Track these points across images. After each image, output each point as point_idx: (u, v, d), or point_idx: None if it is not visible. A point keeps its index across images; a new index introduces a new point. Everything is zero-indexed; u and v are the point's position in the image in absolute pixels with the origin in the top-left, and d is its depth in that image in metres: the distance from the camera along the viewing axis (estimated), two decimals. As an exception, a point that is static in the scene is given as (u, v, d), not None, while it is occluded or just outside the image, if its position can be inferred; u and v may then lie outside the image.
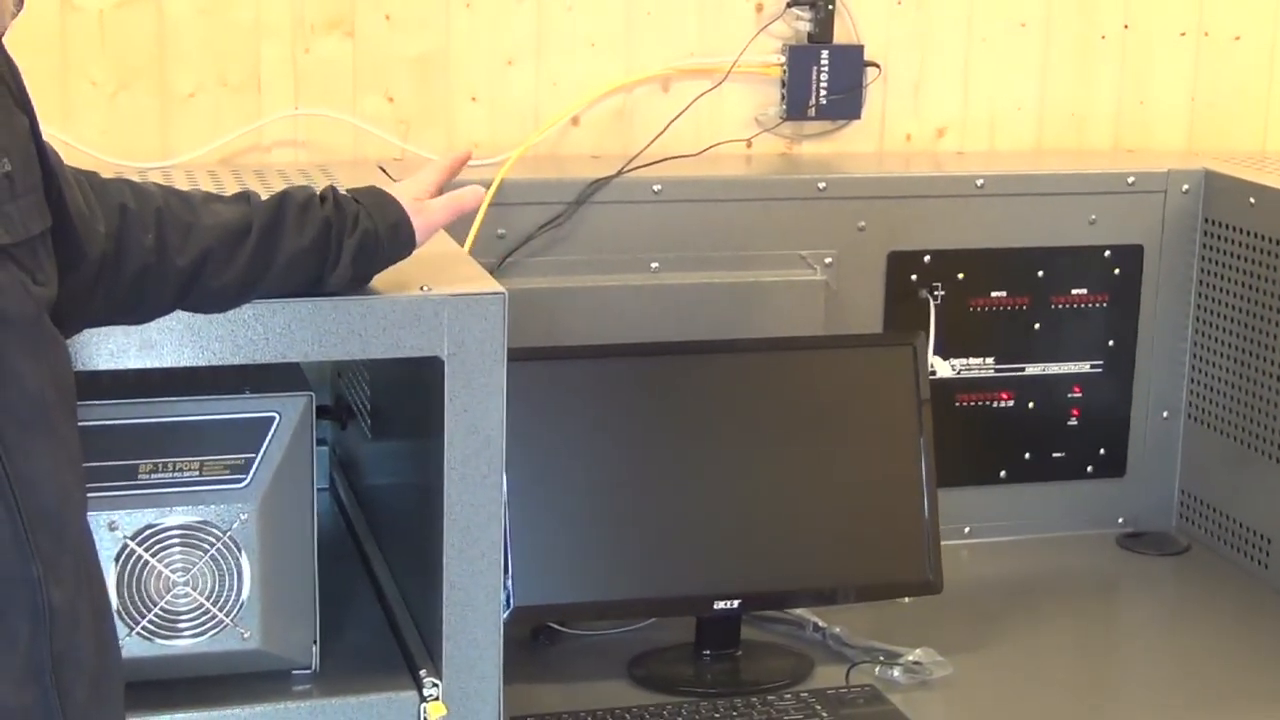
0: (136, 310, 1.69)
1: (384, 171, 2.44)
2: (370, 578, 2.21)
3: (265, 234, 1.72)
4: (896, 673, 2.25)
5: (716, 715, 2.11)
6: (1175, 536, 2.78)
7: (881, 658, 2.28)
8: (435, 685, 1.88)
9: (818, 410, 2.32)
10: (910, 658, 2.26)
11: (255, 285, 1.72)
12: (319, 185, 1.83)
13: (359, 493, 2.43)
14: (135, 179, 1.72)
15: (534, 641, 2.34)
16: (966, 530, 2.72)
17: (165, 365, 1.74)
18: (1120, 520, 2.79)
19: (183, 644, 1.85)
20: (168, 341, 1.74)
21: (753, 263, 2.57)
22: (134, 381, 1.82)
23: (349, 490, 2.47)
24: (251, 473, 1.85)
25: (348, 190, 1.82)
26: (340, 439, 2.54)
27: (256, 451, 1.84)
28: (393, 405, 2.21)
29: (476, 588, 1.88)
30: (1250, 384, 2.62)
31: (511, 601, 2.14)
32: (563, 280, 2.48)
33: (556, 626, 2.35)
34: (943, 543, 2.35)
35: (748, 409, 2.30)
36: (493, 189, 2.43)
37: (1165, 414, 2.78)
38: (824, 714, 2.12)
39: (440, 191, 1.90)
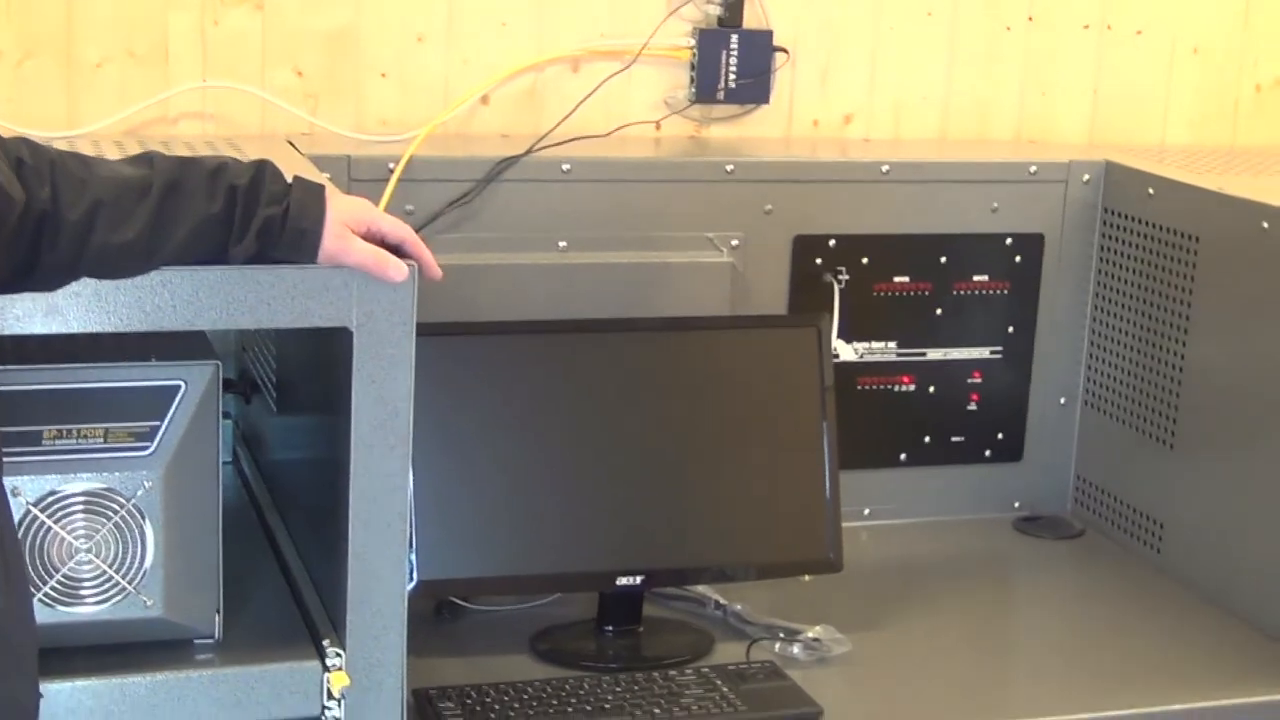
0: (34, 271, 1.67)
1: (293, 146, 2.44)
2: (274, 551, 2.21)
3: (167, 194, 1.70)
4: (796, 649, 2.27)
5: (618, 689, 2.12)
6: (1070, 520, 2.82)
7: (781, 635, 2.30)
8: (339, 655, 1.88)
9: (722, 390, 2.34)
10: (810, 635, 2.29)
11: (159, 249, 1.71)
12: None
13: (263, 467, 2.43)
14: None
15: (437, 616, 2.35)
16: (866, 512, 2.75)
17: (71, 331, 1.74)
18: (1017, 504, 2.84)
19: (85, 611, 1.84)
20: (73, 307, 1.73)
21: (660, 244, 2.58)
22: (38, 348, 1.81)
23: (253, 464, 2.47)
24: (156, 440, 1.84)
25: (295, 175, 1.80)
26: (245, 413, 2.53)
27: (161, 419, 1.84)
28: (299, 379, 2.20)
29: (381, 558, 1.88)
30: (1146, 372, 2.67)
31: (415, 575, 2.15)
32: (470, 258, 2.48)
33: (459, 602, 2.36)
34: (843, 524, 2.38)
35: (653, 387, 2.31)
36: (401, 165, 2.44)
37: (1063, 400, 2.82)
38: (724, 689, 2.14)
39: (374, 237, 1.83)
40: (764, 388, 2.36)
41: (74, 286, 1.72)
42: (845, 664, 2.27)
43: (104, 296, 1.74)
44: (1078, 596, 2.59)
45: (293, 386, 2.24)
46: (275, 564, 2.17)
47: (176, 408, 1.84)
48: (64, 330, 1.73)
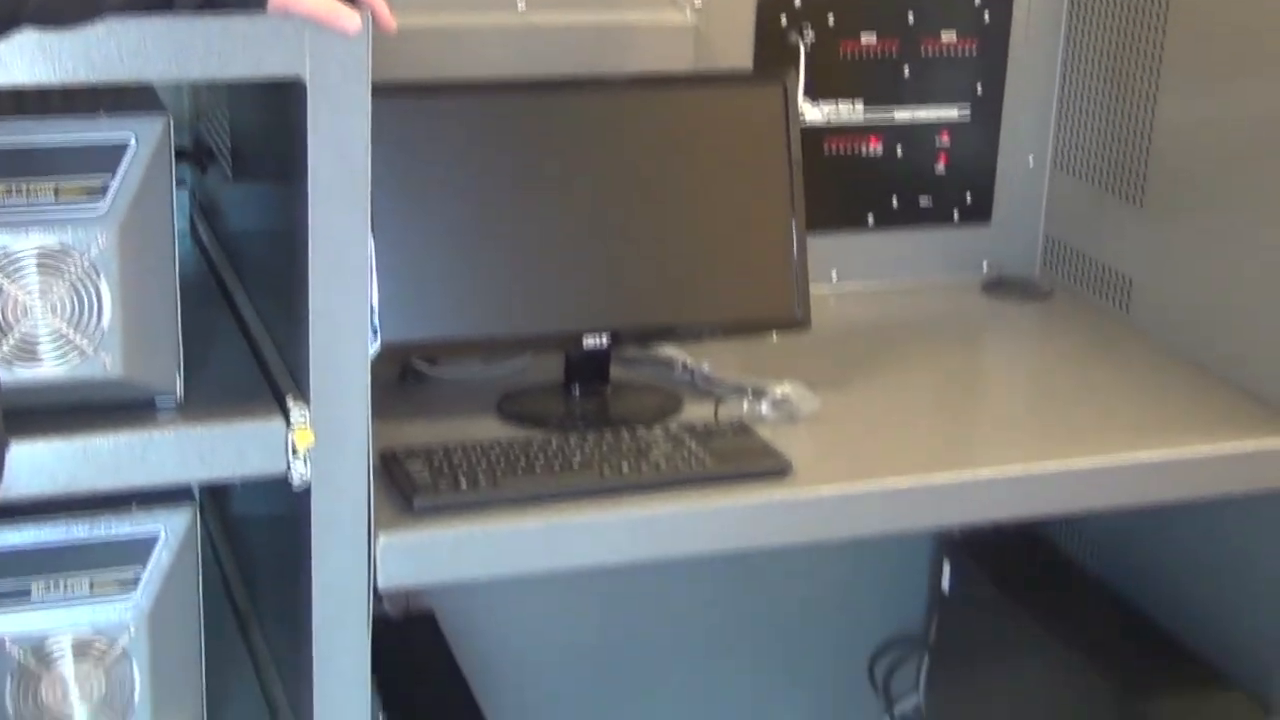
0: None
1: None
2: (235, 317, 2.18)
3: None
4: (764, 408, 2.26)
5: (586, 447, 2.10)
6: (1039, 282, 2.81)
7: (750, 393, 2.29)
8: (303, 414, 1.86)
9: (688, 148, 2.30)
10: (778, 392, 2.27)
11: None
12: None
13: (221, 237, 2.39)
14: None
15: (401, 382, 2.33)
16: (833, 276, 2.73)
17: (15, 82, 1.69)
18: (985, 266, 2.82)
19: (44, 372, 1.81)
20: (17, 59, 1.68)
21: (621, 4, 2.52)
22: (-17, 105, 1.77)
23: (211, 234, 2.43)
24: (109, 197, 1.80)
25: None
26: (201, 184, 2.48)
27: (113, 174, 1.79)
28: (254, 144, 2.16)
29: (343, 318, 1.85)
30: (1116, 129, 2.64)
31: (378, 337, 2.12)
32: (427, 18, 2.42)
33: (424, 369, 2.34)
34: (810, 288, 2.36)
35: (617, 146, 2.27)
36: (354, -76, 2.36)
37: (1031, 160, 2.79)
38: (692, 445, 2.12)
39: None
40: (730, 146, 2.33)
41: (17, 38, 1.67)
42: (814, 421, 2.26)
43: (48, 48, 1.69)
44: (1047, 355, 2.59)
45: (248, 153, 2.20)
46: (236, 328, 2.15)
47: (129, 163, 1.80)
48: (7, 82, 1.68)
